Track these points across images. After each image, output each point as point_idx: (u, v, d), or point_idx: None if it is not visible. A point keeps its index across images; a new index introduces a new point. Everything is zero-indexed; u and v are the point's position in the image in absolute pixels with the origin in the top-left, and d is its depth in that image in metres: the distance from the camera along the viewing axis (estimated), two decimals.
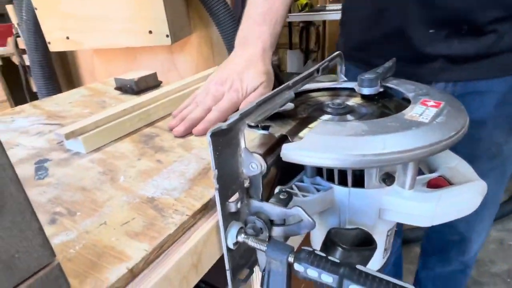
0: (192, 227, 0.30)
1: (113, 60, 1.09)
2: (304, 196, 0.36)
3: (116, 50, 1.02)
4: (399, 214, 0.35)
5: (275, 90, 0.35)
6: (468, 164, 0.40)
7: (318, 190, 0.37)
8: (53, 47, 0.96)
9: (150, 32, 0.88)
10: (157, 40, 0.88)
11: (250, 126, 0.37)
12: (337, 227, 0.34)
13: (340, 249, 0.32)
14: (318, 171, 0.38)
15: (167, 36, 0.87)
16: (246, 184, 0.32)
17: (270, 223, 0.33)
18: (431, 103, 0.35)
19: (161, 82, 0.70)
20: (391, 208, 0.35)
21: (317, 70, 0.43)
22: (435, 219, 0.34)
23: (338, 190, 0.36)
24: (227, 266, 0.32)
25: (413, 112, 0.33)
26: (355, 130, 0.31)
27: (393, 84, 0.42)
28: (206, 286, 0.38)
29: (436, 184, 0.38)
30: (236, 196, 0.31)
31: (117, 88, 0.67)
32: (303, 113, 0.40)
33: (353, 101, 0.42)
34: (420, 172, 0.36)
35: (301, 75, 0.39)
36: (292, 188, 0.38)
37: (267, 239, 0.32)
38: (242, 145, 0.30)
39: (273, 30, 0.54)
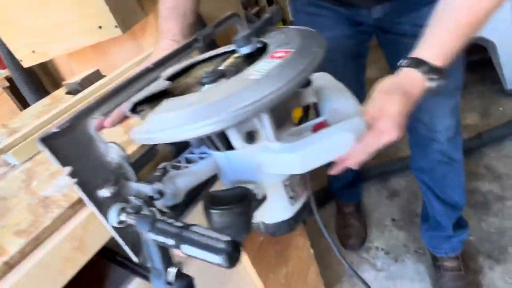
0: (73, 216, 0.34)
1: (87, 59, 1.14)
2: (185, 167, 0.38)
3: (86, 49, 1.06)
4: (273, 167, 0.37)
5: (130, 77, 0.37)
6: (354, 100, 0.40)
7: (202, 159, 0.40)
8: (25, 63, 1.03)
9: (100, 27, 0.90)
10: (108, 33, 0.90)
11: (132, 112, 0.39)
12: (215, 190, 0.37)
13: (211, 211, 0.35)
14: (205, 140, 0.40)
15: (116, 27, 0.89)
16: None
17: (151, 198, 0.36)
18: (280, 54, 0.35)
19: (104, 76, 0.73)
20: (266, 163, 0.37)
21: (196, 40, 0.44)
22: (306, 165, 0.36)
23: (217, 156, 0.39)
24: (121, 242, 0.36)
25: (254, 69, 0.34)
26: (190, 102, 0.32)
27: (266, 37, 0.41)
28: (122, 259, 0.43)
29: (319, 129, 0.38)
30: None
31: (68, 93, 0.71)
32: (180, 89, 0.41)
33: (230, 63, 0.42)
34: None
35: (168, 54, 0.41)
36: (179, 162, 0.40)
37: (155, 214, 0.36)
38: (97, 138, 0.33)
39: (182, 24, 0.58)
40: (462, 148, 0.92)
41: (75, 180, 0.32)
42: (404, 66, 0.49)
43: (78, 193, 0.32)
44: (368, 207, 1.43)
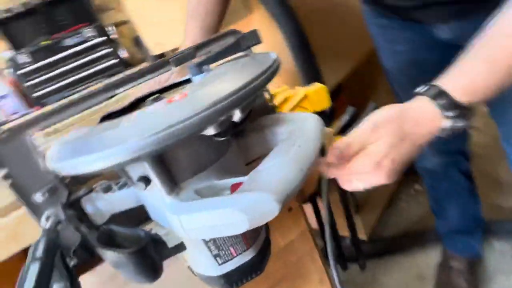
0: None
1: None
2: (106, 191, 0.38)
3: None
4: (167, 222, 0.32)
5: (79, 97, 0.38)
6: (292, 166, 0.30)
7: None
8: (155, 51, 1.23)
9: None
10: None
11: None
12: (117, 226, 0.35)
13: (102, 247, 0.34)
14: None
15: None
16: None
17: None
18: (176, 97, 0.29)
19: None
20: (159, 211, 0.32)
21: (167, 62, 0.41)
22: (191, 233, 0.30)
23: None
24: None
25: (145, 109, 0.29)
26: (80, 135, 0.31)
27: (216, 67, 0.35)
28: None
29: (235, 190, 0.31)
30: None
31: None
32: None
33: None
34: None
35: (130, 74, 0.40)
36: (118, 183, 0.40)
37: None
38: (34, 150, 0.37)
39: (202, 23, 0.58)
40: None
41: (9, 181, 0.37)
42: (419, 94, 0.38)
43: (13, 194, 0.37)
44: (489, 269, 1.08)
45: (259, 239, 0.39)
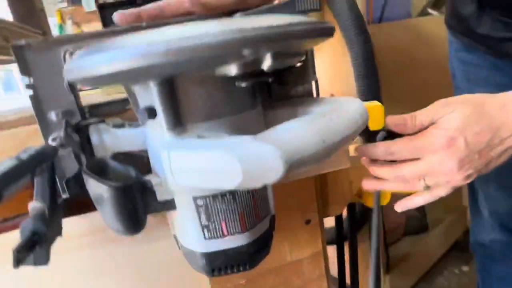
0: None
1: None
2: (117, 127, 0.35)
3: None
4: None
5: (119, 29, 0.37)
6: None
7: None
8: None
9: None
10: None
11: None
12: (113, 159, 0.32)
13: (86, 173, 0.30)
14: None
15: None
16: None
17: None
18: None
19: None
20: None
21: None
22: (176, 174, 0.26)
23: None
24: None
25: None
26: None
27: None
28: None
29: None
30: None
31: None
32: None
33: None
34: None
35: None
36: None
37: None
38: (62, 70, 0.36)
39: None
40: None
41: (30, 92, 0.36)
42: None
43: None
44: None
45: (259, 227, 0.33)
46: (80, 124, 0.35)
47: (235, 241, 0.32)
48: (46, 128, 0.37)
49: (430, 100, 0.36)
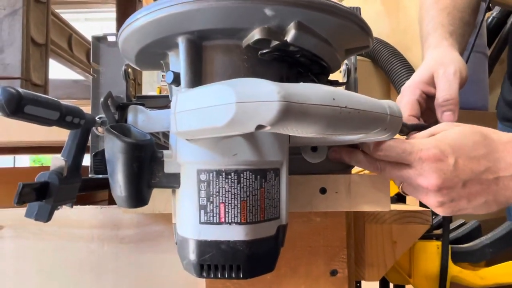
0: None
1: None
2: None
3: None
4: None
5: None
6: None
7: None
8: None
9: None
10: None
11: None
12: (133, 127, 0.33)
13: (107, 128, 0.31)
14: None
15: None
16: None
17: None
18: None
19: None
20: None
21: None
22: (177, 118, 0.25)
23: None
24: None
25: None
26: None
27: None
28: None
29: None
30: None
31: None
32: None
33: None
34: None
35: None
36: None
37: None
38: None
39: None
40: None
41: (93, 76, 0.41)
42: None
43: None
44: None
45: (261, 228, 0.29)
46: (122, 104, 0.38)
47: (231, 232, 0.28)
48: (96, 108, 0.40)
49: None
